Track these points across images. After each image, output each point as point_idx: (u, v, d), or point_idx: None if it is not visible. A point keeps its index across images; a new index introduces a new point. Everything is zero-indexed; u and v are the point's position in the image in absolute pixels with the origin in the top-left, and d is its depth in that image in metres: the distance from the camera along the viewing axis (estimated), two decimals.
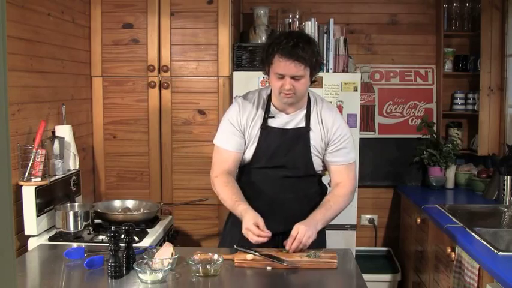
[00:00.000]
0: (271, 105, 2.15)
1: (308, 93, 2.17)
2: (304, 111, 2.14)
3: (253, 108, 2.16)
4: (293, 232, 1.95)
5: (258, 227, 1.93)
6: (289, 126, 2.13)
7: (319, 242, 2.14)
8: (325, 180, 2.34)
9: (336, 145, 2.13)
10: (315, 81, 2.18)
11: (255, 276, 1.85)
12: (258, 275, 1.85)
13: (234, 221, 2.19)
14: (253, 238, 1.92)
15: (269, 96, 2.17)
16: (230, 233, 2.24)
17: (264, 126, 2.13)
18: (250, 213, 1.97)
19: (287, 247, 1.94)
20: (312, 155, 2.13)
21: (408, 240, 3.50)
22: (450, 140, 3.63)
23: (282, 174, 2.13)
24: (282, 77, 2.00)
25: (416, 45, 3.79)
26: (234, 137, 2.15)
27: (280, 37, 2.04)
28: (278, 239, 2.11)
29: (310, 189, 2.21)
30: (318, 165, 2.17)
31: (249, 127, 2.14)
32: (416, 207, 3.24)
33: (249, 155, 2.16)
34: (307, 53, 1.98)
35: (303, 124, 2.13)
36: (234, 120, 2.16)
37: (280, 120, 2.14)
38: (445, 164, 3.54)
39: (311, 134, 2.12)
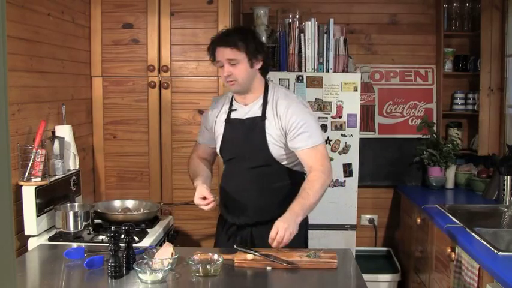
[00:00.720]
0: (234, 100, 2.29)
1: (267, 84, 2.25)
2: (261, 101, 2.22)
3: (219, 105, 2.33)
4: (272, 232, 1.94)
5: (205, 198, 2.10)
6: (247, 116, 2.23)
7: (299, 243, 2.18)
8: None
9: (294, 131, 2.14)
10: (267, 70, 2.27)
11: (255, 276, 1.85)
12: (258, 275, 1.85)
13: (221, 223, 2.37)
14: (204, 208, 2.11)
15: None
16: (221, 235, 2.36)
17: (228, 119, 2.27)
18: (198, 189, 2.16)
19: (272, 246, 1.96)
20: (269, 143, 2.16)
21: (408, 240, 3.50)
22: (450, 140, 3.63)
23: (245, 166, 2.21)
24: (221, 65, 2.16)
25: (416, 45, 3.79)
26: (204, 133, 2.40)
27: (218, 33, 2.24)
28: (246, 231, 2.22)
29: (278, 181, 2.20)
30: (277, 153, 2.18)
31: (215, 122, 2.31)
32: (416, 207, 3.24)
33: (218, 148, 2.31)
34: (237, 38, 2.13)
35: (259, 113, 2.21)
36: (205, 118, 2.40)
37: (240, 112, 2.25)
38: (445, 164, 3.54)
39: (267, 122, 2.18)
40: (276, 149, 2.17)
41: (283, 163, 2.21)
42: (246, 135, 2.20)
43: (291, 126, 2.14)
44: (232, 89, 2.22)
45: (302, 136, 2.14)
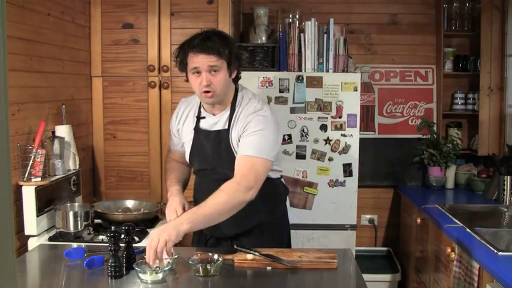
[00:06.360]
0: (202, 107, 2.15)
1: (237, 92, 2.11)
2: (229, 112, 2.08)
3: (186, 110, 2.20)
4: (147, 242, 1.77)
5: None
6: (215, 128, 2.10)
7: (279, 241, 2.16)
8: None
9: (244, 134, 2.01)
10: (239, 78, 2.12)
11: (255, 276, 1.85)
12: (258, 275, 1.85)
13: (196, 233, 2.27)
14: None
15: None
16: (195, 233, 2.29)
17: (196, 127, 2.13)
18: (169, 199, 2.14)
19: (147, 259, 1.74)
20: (236, 155, 2.04)
21: (408, 240, 3.50)
22: (450, 140, 3.63)
23: (215, 177, 2.06)
24: (198, 73, 1.98)
25: (416, 45, 3.79)
26: (174, 138, 2.29)
27: (191, 36, 2.02)
28: (227, 243, 2.13)
29: None
30: None
31: (182, 128, 2.20)
32: (416, 207, 3.24)
33: (187, 156, 2.19)
34: (219, 44, 1.96)
35: (226, 126, 2.08)
36: (172, 124, 2.26)
37: (208, 122, 2.12)
38: (445, 164, 3.54)
39: (232, 135, 2.06)
40: None
41: None
42: (214, 148, 2.08)
43: (244, 132, 2.01)
44: (206, 101, 2.04)
45: (246, 140, 1.99)
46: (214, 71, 1.97)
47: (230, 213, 1.92)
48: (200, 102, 2.16)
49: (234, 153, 2.06)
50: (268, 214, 2.16)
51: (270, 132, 2.02)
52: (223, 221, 1.98)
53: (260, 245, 2.02)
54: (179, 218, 1.87)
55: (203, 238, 2.24)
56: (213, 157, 2.10)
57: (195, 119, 2.14)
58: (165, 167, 2.35)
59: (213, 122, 2.11)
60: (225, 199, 1.90)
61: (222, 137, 2.08)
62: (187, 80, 2.08)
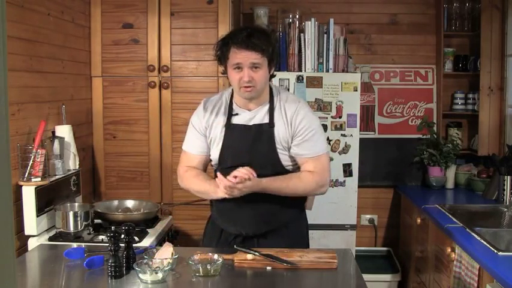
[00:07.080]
0: (234, 103, 2.14)
1: (271, 88, 2.14)
2: (267, 106, 2.10)
3: (215, 108, 2.15)
4: (246, 176, 1.93)
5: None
6: (253, 122, 2.10)
7: (302, 241, 2.18)
8: None
9: (301, 137, 2.06)
10: (274, 76, 2.17)
11: (255, 276, 1.85)
12: (258, 275, 1.85)
13: (216, 234, 2.22)
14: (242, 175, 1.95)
15: (231, 96, 2.16)
16: (210, 233, 2.25)
17: (228, 124, 2.11)
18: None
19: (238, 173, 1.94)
20: (278, 151, 2.07)
21: (408, 240, 3.50)
22: (450, 140, 3.63)
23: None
24: (239, 68, 2.00)
25: (416, 45, 3.79)
26: (197, 140, 2.17)
27: (234, 31, 2.06)
28: (253, 241, 2.11)
29: None
30: (286, 161, 2.09)
31: (211, 127, 2.14)
32: (416, 207, 3.24)
33: (215, 155, 2.13)
34: (263, 42, 1.99)
35: (266, 120, 2.08)
36: (196, 123, 2.18)
37: (243, 117, 2.10)
38: (445, 164, 3.54)
39: (275, 129, 2.07)
40: (284, 156, 2.08)
41: (289, 169, 2.10)
42: (253, 142, 2.07)
43: (299, 131, 2.06)
44: (246, 96, 2.04)
45: (308, 144, 2.06)
46: (256, 67, 2.00)
47: (297, 194, 2.10)
48: (231, 100, 2.15)
49: (276, 146, 2.07)
50: (294, 211, 2.17)
51: (319, 124, 2.15)
52: (251, 218, 2.08)
53: (285, 244, 2.04)
54: (266, 183, 2.00)
55: (225, 238, 2.18)
56: (251, 152, 2.07)
57: (226, 116, 2.12)
58: (192, 182, 2.16)
59: (249, 117, 2.10)
60: (303, 187, 2.07)
61: (263, 131, 2.07)
62: (224, 73, 2.12)
